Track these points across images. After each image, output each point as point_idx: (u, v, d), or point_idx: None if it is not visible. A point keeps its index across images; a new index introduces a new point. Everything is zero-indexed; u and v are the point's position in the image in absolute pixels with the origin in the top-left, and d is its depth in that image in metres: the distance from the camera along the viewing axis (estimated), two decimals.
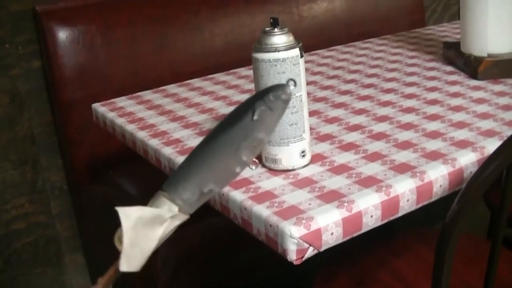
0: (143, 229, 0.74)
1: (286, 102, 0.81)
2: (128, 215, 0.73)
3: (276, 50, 0.94)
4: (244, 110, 0.79)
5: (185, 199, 0.78)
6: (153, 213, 0.76)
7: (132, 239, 0.73)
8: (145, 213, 0.75)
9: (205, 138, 0.82)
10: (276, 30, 0.96)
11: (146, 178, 1.72)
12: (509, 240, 1.49)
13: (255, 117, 0.78)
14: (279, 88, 0.81)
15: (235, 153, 0.79)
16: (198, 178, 0.79)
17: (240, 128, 0.79)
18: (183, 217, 0.78)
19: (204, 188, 0.79)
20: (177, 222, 0.77)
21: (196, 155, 0.81)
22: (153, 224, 0.75)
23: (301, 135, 0.98)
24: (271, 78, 0.95)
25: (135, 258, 0.74)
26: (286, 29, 0.96)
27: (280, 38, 0.95)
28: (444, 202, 0.99)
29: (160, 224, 0.76)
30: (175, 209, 0.77)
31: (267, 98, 0.79)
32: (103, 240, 1.92)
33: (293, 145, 0.98)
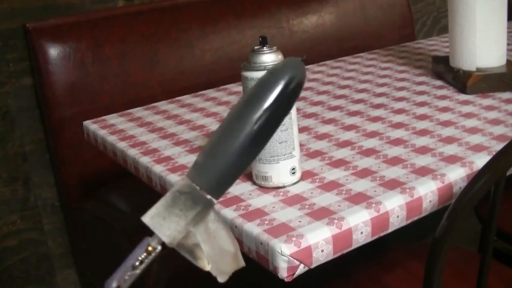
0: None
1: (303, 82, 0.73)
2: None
3: (265, 68, 0.95)
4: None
5: (222, 191, 0.73)
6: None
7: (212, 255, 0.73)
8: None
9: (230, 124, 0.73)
10: (265, 48, 0.97)
11: (138, 194, 1.72)
12: (500, 253, 1.49)
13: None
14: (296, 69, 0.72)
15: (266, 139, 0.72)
16: (240, 170, 0.72)
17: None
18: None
19: (238, 175, 0.73)
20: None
21: (227, 146, 0.72)
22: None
23: (291, 153, 0.99)
24: None
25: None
26: (275, 47, 0.97)
27: (269, 57, 0.96)
28: (434, 214, 0.99)
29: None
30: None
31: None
32: (96, 257, 1.93)
33: (283, 162, 0.99)
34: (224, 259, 0.74)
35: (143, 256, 0.75)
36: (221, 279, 0.72)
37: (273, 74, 0.72)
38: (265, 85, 0.72)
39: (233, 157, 0.72)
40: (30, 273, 2.01)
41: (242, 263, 0.73)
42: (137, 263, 0.74)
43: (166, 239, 0.73)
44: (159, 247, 0.74)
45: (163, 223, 0.73)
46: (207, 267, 0.72)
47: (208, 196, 0.72)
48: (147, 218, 0.74)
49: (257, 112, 0.71)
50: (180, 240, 0.74)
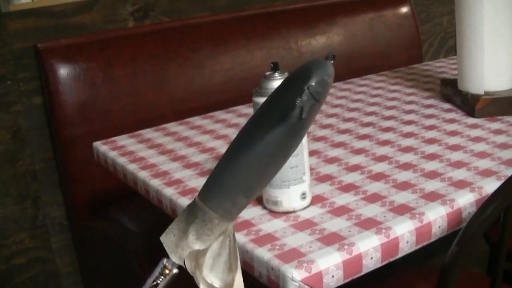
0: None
1: (331, 84, 0.69)
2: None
3: None
4: (287, 106, 0.68)
5: (235, 212, 0.72)
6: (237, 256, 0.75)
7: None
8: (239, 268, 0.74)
9: (242, 141, 0.71)
10: (276, 74, 0.97)
11: (146, 214, 1.73)
12: (509, 274, 1.49)
13: (304, 115, 0.67)
14: (322, 70, 0.68)
15: (285, 155, 0.71)
16: (247, 189, 0.71)
17: (288, 130, 0.68)
18: (231, 227, 0.73)
19: (251, 196, 0.72)
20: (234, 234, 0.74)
21: (239, 165, 0.71)
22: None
23: (301, 177, 1.00)
24: None
25: None
26: (286, 73, 0.98)
27: (280, 83, 0.96)
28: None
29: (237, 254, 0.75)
30: (231, 226, 0.73)
31: (313, 89, 0.67)
32: (103, 275, 1.93)
33: (294, 187, 0.99)
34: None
35: (157, 277, 0.76)
36: None
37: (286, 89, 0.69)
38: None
39: (237, 174, 0.71)
40: None
41: None
42: (152, 284, 0.75)
43: (174, 259, 0.74)
44: (175, 270, 0.75)
45: (176, 243, 0.74)
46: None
47: (217, 215, 0.72)
48: (163, 238, 0.74)
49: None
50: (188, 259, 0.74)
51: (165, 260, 0.75)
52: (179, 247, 0.73)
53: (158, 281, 0.75)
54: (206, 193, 0.73)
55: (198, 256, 0.74)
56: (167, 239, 0.74)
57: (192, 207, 0.74)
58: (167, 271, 0.75)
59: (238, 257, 0.74)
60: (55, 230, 2.01)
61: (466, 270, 1.31)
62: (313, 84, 0.66)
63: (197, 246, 0.73)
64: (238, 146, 0.72)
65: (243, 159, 0.71)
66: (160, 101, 1.97)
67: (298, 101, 0.66)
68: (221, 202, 0.72)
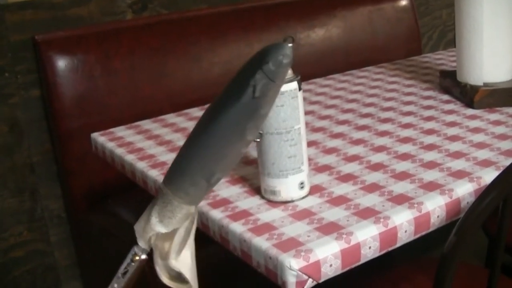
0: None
1: (289, 65, 0.70)
2: (187, 264, 0.73)
3: None
4: (241, 86, 0.69)
5: (193, 194, 0.73)
6: (191, 238, 0.75)
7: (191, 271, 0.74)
8: (190, 246, 0.74)
9: (200, 124, 0.73)
10: None
11: (144, 207, 1.72)
12: (507, 267, 1.49)
13: (257, 94, 0.68)
14: (278, 51, 0.69)
15: (241, 136, 0.71)
16: (205, 170, 0.72)
17: (241, 109, 0.69)
18: (195, 210, 0.74)
19: (212, 179, 0.73)
20: (195, 218, 0.75)
21: (197, 146, 0.72)
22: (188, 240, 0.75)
23: (299, 167, 0.99)
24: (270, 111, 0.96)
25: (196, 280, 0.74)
26: None
27: None
28: (439, 227, 1.00)
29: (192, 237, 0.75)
30: (192, 209, 0.74)
31: (267, 68, 0.68)
32: (102, 268, 1.93)
33: (292, 177, 0.99)
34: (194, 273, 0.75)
35: (128, 264, 0.76)
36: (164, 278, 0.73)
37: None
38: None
39: (194, 156, 0.72)
40: (36, 284, 2.01)
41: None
42: (124, 271, 0.76)
43: (142, 244, 0.74)
44: (143, 256, 0.75)
45: (143, 228, 0.75)
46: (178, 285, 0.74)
47: (176, 197, 0.73)
48: (136, 225, 0.75)
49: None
50: (156, 242, 0.74)
51: (135, 247, 0.75)
52: (145, 231, 0.74)
53: (129, 268, 0.76)
54: (167, 176, 0.75)
55: (164, 242, 0.74)
56: (138, 225, 0.74)
57: (158, 191, 0.75)
58: (137, 258, 0.76)
59: (192, 236, 0.74)
60: (53, 223, 2.01)
61: (464, 262, 1.31)
62: (268, 63, 0.67)
63: (160, 228, 0.73)
64: (196, 129, 0.73)
65: (199, 141, 0.71)
66: (158, 94, 1.97)
67: (251, 81, 0.67)
68: (180, 184, 0.73)
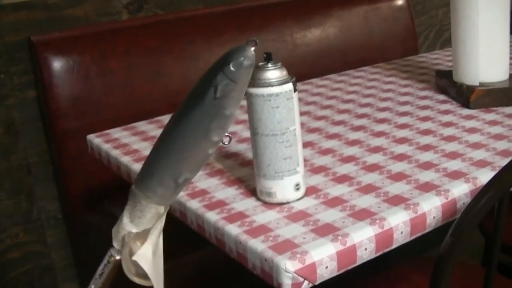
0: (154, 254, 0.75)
1: (251, 67, 0.73)
2: (147, 258, 0.74)
3: (269, 85, 0.95)
4: (204, 87, 0.71)
5: (161, 194, 0.75)
6: (156, 235, 0.76)
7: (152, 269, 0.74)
8: (152, 242, 0.75)
9: (168, 125, 0.75)
10: (269, 65, 0.97)
11: None
12: (504, 266, 1.49)
13: (218, 94, 0.71)
14: (239, 53, 0.72)
15: (205, 137, 0.73)
16: (172, 170, 0.74)
17: (203, 109, 0.71)
18: (164, 210, 0.76)
19: (179, 179, 0.75)
20: (163, 218, 0.76)
21: (164, 147, 0.75)
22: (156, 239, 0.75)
23: (295, 169, 0.99)
24: (265, 113, 0.96)
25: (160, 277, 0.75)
26: (279, 63, 0.98)
27: (273, 73, 0.96)
28: (436, 227, 0.99)
29: (158, 235, 0.76)
30: (161, 209, 0.76)
31: (227, 69, 0.71)
32: None
33: (287, 178, 0.99)
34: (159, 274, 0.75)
35: (105, 265, 0.77)
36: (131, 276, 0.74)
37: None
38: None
39: (161, 157, 0.75)
40: (33, 285, 2.01)
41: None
42: (101, 272, 0.77)
43: (116, 245, 0.75)
44: (118, 257, 0.76)
45: (117, 228, 0.76)
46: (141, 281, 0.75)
47: (144, 196, 0.75)
48: (113, 228, 0.76)
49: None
50: (128, 241, 0.75)
51: (111, 248, 0.76)
52: (118, 232, 0.75)
53: (105, 269, 0.77)
54: (138, 177, 0.77)
55: (136, 240, 0.75)
56: (114, 227, 0.76)
57: (129, 192, 0.77)
58: (112, 259, 0.77)
59: (157, 233, 0.75)
60: (50, 224, 2.01)
61: (461, 262, 1.31)
62: (229, 65, 0.70)
63: (131, 228, 0.75)
64: (164, 130, 0.75)
65: (165, 142, 0.74)
66: (154, 94, 1.96)
67: (213, 82, 0.70)
68: (148, 184, 0.75)
